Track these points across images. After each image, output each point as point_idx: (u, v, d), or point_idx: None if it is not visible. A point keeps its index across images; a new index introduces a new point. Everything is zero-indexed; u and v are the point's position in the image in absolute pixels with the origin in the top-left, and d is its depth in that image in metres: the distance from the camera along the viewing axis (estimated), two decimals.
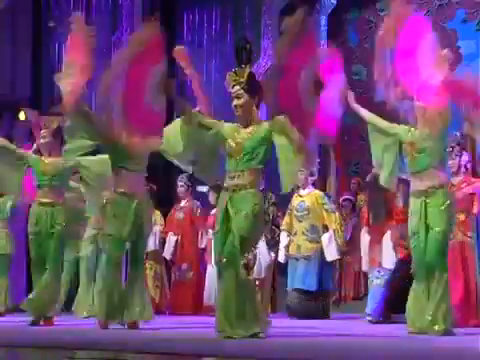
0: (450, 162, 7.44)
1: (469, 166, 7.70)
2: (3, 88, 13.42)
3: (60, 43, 13.14)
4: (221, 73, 14.53)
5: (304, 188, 9.31)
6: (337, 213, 9.37)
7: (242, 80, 5.79)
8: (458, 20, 14.37)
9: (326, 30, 15.43)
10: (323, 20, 15.39)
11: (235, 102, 5.85)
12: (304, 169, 8.69)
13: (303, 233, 9.18)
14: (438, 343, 5.41)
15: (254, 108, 5.86)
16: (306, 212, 9.21)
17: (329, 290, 9.48)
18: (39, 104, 13.37)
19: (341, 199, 12.55)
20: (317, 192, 9.39)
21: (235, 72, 5.84)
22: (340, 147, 12.00)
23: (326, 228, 9.20)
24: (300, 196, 9.30)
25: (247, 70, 5.83)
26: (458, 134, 7.45)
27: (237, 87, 5.82)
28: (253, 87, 5.81)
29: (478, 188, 7.59)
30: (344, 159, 13.17)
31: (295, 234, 9.26)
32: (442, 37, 14.32)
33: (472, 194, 7.59)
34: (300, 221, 9.25)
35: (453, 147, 7.46)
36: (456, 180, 7.55)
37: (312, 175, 9.31)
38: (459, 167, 7.58)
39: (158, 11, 15.51)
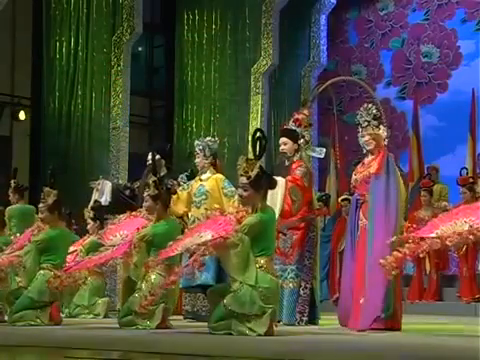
0: (367, 138, 6.82)
1: (386, 142, 6.83)
2: (3, 88, 13.43)
3: (61, 43, 13.15)
4: (221, 73, 14.57)
5: (204, 172, 8.50)
6: (236, 196, 7.88)
7: (250, 175, 5.96)
8: (458, 20, 14.39)
9: (326, 29, 15.45)
10: (323, 19, 15.42)
11: (240, 192, 6.09)
12: (199, 151, 8.39)
13: (199, 220, 8.02)
14: None
15: (259, 199, 6.01)
16: (204, 197, 8.38)
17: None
18: (39, 104, 13.39)
19: (341, 199, 12.57)
20: (219, 175, 8.43)
21: (247, 162, 6.02)
22: (340, 147, 12.00)
23: None
24: (201, 180, 8.51)
25: (257, 166, 5.99)
26: (373, 107, 6.83)
27: (244, 180, 6.00)
28: (259, 183, 5.99)
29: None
30: (344, 159, 13.17)
31: (193, 222, 8.25)
32: (442, 37, 14.51)
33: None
34: (198, 207, 8.37)
35: (368, 121, 6.80)
36: (367, 159, 6.87)
37: (206, 158, 8.47)
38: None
39: (158, 11, 15.58)
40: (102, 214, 9.93)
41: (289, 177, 7.56)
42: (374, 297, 6.43)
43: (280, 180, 7.28)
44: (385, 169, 6.63)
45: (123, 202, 9.21)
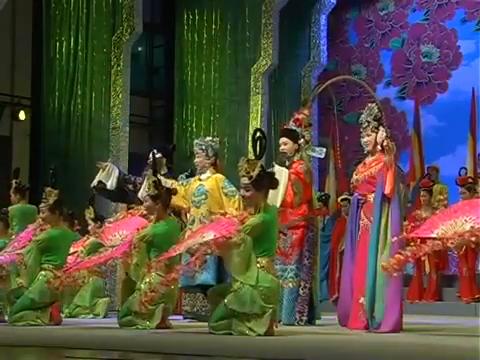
0: (366, 139, 6.84)
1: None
2: (3, 88, 13.43)
3: (61, 43, 13.15)
4: (221, 73, 14.57)
5: (204, 172, 8.45)
6: (237, 196, 8.04)
7: (252, 174, 5.97)
8: (458, 20, 14.39)
9: (326, 29, 15.45)
10: (323, 19, 15.42)
11: (242, 192, 6.10)
12: (200, 151, 8.36)
13: (201, 220, 8.12)
14: None
15: (261, 198, 6.04)
16: (204, 197, 8.29)
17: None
18: (39, 104, 13.39)
19: (340, 199, 12.57)
20: (218, 175, 8.38)
21: (248, 162, 6.03)
22: (340, 147, 12.00)
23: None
24: (200, 180, 8.45)
25: (258, 166, 6.00)
26: (375, 107, 6.82)
27: (246, 180, 6.01)
28: (262, 183, 6.01)
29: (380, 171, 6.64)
30: (344, 159, 13.17)
31: (193, 222, 8.27)
32: (442, 37, 14.51)
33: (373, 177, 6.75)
34: (197, 207, 8.31)
35: (369, 122, 6.81)
36: (368, 160, 6.89)
37: (208, 158, 8.42)
38: (376, 145, 6.78)
39: (158, 11, 15.58)
40: (103, 195, 9.87)
41: (292, 170, 7.58)
42: (393, 308, 6.40)
43: (283, 171, 7.29)
44: (397, 190, 6.51)
45: (125, 192, 9.21)
